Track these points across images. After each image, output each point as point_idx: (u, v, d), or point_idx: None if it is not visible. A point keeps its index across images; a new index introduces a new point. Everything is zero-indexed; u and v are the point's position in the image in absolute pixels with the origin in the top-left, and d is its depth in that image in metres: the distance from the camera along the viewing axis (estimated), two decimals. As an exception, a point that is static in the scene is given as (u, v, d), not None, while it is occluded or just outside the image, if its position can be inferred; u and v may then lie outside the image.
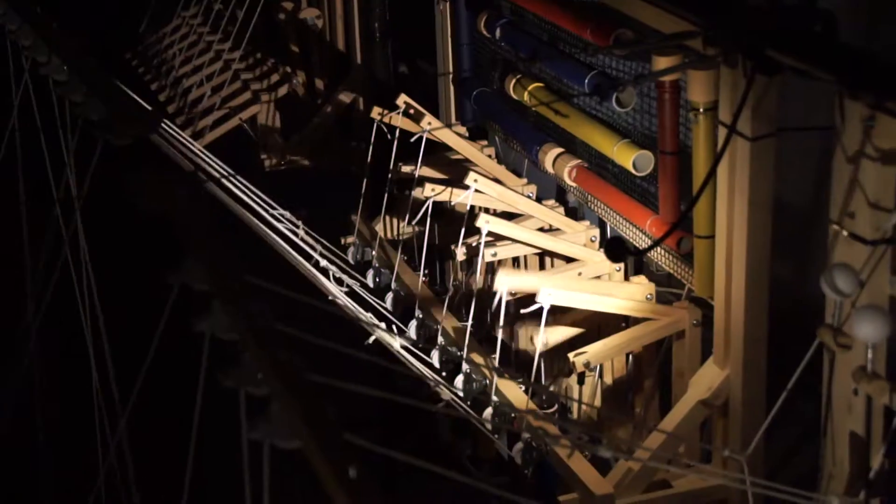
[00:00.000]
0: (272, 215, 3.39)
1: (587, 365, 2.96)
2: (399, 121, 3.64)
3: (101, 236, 2.81)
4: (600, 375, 3.19)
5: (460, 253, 3.36)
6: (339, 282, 3.55)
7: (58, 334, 3.14)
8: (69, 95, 2.49)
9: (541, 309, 3.00)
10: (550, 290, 3.00)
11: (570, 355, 2.97)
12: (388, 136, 3.65)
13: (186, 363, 1.82)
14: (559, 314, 3.26)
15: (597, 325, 3.24)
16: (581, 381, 3.10)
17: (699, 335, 3.02)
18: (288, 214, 3.47)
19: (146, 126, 2.31)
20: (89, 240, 2.64)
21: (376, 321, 3.34)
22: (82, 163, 2.64)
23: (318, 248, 3.52)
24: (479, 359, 3.23)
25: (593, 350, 2.98)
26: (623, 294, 3.13)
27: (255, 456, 1.57)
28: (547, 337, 3.07)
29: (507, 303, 3.17)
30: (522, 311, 3.10)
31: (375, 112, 3.67)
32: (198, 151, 3.28)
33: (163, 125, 2.90)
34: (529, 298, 3.05)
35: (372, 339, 3.13)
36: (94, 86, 2.40)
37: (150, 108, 3.08)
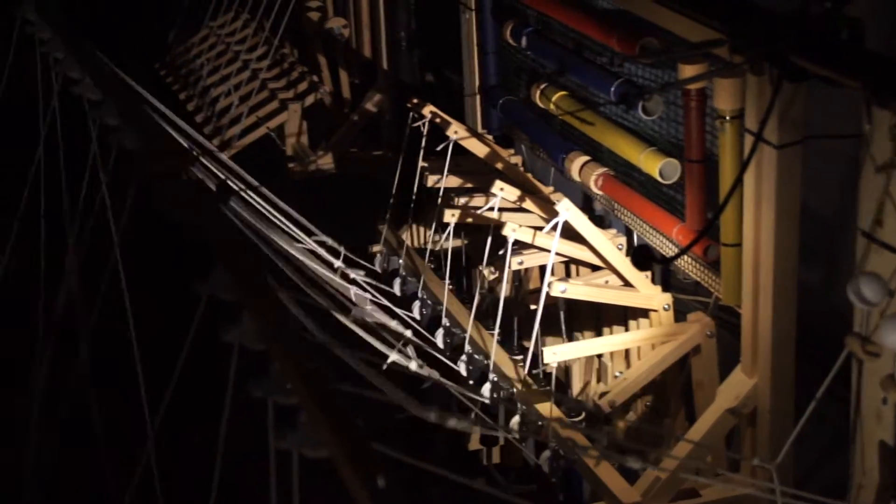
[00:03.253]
0: (316, 241, 3.42)
1: (613, 404, 2.97)
2: (426, 129, 3.65)
3: (132, 246, 2.83)
4: None
5: (487, 273, 3.36)
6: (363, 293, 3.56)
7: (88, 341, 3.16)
8: (103, 118, 2.49)
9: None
10: (563, 285, 3.03)
11: (595, 398, 2.99)
12: (416, 144, 3.66)
13: (217, 373, 1.83)
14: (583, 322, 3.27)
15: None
16: (609, 421, 3.10)
17: (714, 346, 3.02)
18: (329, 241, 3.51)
19: (181, 158, 2.31)
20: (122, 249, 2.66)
21: (402, 330, 3.35)
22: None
23: (342, 255, 3.54)
24: (505, 367, 3.23)
25: (616, 389, 3.00)
26: (640, 301, 3.15)
27: (284, 465, 1.58)
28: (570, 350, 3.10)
29: (533, 310, 3.17)
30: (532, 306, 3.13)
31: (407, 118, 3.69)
32: (226, 162, 3.30)
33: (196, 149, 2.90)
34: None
35: (387, 363, 3.13)
36: (125, 113, 2.40)
37: (182, 140, 3.09)
